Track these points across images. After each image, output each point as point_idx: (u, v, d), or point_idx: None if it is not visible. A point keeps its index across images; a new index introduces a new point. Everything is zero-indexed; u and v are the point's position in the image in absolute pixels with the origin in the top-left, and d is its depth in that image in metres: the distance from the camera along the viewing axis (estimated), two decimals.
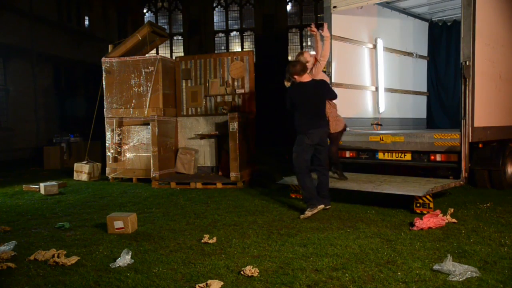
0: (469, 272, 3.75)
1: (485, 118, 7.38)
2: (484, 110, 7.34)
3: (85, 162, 11.03)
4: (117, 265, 4.24)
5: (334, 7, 8.60)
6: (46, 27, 17.48)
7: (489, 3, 7.54)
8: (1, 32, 15.33)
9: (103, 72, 10.39)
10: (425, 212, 6.12)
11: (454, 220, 5.68)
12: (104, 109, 10.43)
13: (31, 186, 9.30)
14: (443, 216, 5.69)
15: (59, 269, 4.23)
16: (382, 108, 10.07)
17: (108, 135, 10.34)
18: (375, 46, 9.94)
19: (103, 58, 10.49)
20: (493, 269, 3.93)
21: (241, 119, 9.20)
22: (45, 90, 17.54)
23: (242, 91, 10.44)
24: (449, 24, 11.30)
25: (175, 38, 24.73)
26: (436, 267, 3.94)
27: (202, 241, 5.00)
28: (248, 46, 23.96)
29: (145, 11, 24.92)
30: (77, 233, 5.57)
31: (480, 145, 7.66)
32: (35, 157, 15.15)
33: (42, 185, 8.88)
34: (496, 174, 8.09)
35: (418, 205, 6.23)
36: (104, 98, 10.40)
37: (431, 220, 5.43)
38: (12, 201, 8.08)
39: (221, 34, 24.42)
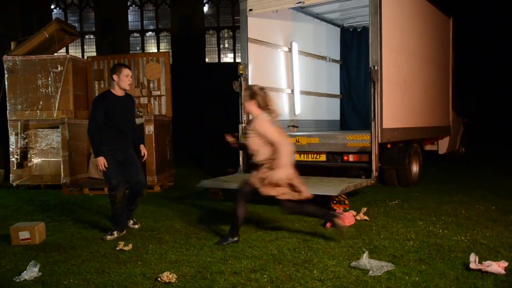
0: (385, 267, 3.96)
1: (392, 120, 7.81)
2: (391, 112, 7.76)
3: None
4: (22, 279, 3.97)
5: (250, 10, 8.69)
6: None
7: (395, 12, 8.00)
8: None
9: (5, 71, 9.77)
10: (341, 208, 6.41)
11: (366, 218, 6.02)
12: (7, 111, 9.78)
13: None
14: (355, 214, 6.06)
15: None
16: (298, 110, 10.32)
17: (12, 139, 9.70)
18: (290, 50, 10.18)
19: (5, 56, 9.87)
20: (400, 263, 4.18)
21: (157, 122, 9.04)
22: None
23: (158, 93, 10.29)
24: (359, 30, 11.83)
25: (86, 37, 23.77)
26: (353, 263, 4.11)
27: (117, 248, 4.85)
28: (164, 47, 23.60)
29: (52, 7, 23.69)
30: None
31: (389, 145, 8.11)
32: None
33: None
34: (403, 172, 8.63)
35: (334, 201, 6.51)
36: (7, 99, 9.75)
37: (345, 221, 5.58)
38: None
39: (136, 34, 23.84)
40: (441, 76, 10.85)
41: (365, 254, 4.12)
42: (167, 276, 3.84)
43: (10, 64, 9.74)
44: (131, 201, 5.78)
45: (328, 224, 5.53)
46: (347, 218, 5.77)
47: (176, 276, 3.88)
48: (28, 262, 4.25)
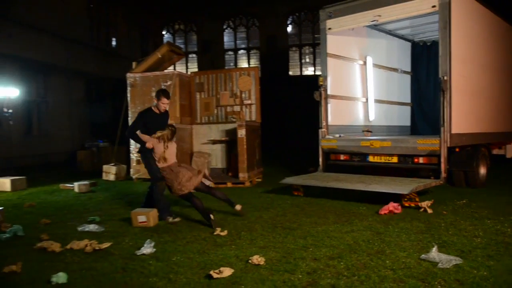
0: (453, 261, 3.76)
1: (460, 126, 7.42)
2: (459, 119, 7.37)
3: (112, 164, 11.07)
4: (141, 253, 4.27)
5: (329, 28, 8.65)
6: (79, 47, 17.58)
7: (463, 26, 7.57)
8: (42, 53, 15.44)
9: (128, 86, 10.41)
10: (412, 205, 6.18)
11: (430, 211, 5.91)
12: (129, 118, 10.45)
13: (66, 185, 9.36)
14: (421, 204, 6.10)
15: (92, 257, 4.27)
16: (371, 117, 10.08)
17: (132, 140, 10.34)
18: (365, 63, 9.97)
19: (128, 74, 10.51)
20: (468, 257, 3.94)
21: (248, 127, 9.22)
22: (78, 102, 17.64)
23: (249, 102, 10.47)
24: (428, 44, 11.33)
25: (190, 56, 24.81)
26: (423, 256, 3.95)
27: (215, 233, 5.02)
28: (253, 62, 23.99)
29: (164, 32, 25.04)
30: (106, 226, 5.60)
31: (457, 149, 7.67)
32: (70, 160, 15.22)
33: (76, 184, 8.93)
34: (471, 174, 8.10)
35: (406, 199, 6.27)
36: (129, 108, 10.41)
37: (389, 207, 5.95)
38: (51, 198, 8.14)
39: (230, 52, 24.48)
40: (507, 84, 10.03)
41: (434, 248, 3.94)
42: (257, 259, 3.92)
43: (132, 80, 10.40)
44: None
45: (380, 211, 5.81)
46: (392, 207, 5.93)
47: (264, 259, 3.95)
48: (145, 240, 4.56)
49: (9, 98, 11.21)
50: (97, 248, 4.44)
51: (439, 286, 3.31)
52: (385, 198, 6.56)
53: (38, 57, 15.28)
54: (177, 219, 5.80)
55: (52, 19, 16.17)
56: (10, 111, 11.22)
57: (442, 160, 6.97)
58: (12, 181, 9.23)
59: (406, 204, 6.25)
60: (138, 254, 4.27)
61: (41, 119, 15.94)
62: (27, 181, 9.61)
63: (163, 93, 6.13)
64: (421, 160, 7.34)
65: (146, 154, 5.92)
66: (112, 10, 20.46)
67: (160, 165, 5.76)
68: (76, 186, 8.87)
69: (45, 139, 15.79)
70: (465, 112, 7.70)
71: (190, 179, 5.65)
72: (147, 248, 4.34)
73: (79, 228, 5.42)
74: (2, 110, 11.21)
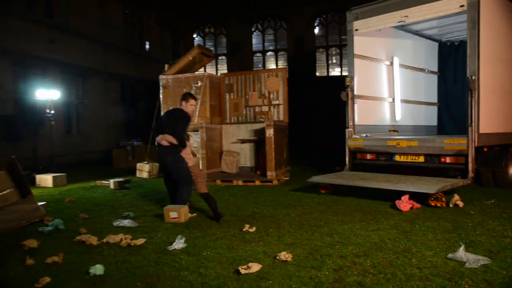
0: (481, 260, 3.65)
1: (489, 125, 7.18)
2: (488, 118, 7.14)
3: (145, 162, 11.26)
4: (173, 248, 4.33)
5: (356, 30, 8.54)
6: (115, 51, 18.00)
7: (491, 25, 7.33)
8: (81, 57, 15.92)
9: (160, 87, 10.57)
10: (438, 205, 6.04)
11: (462, 204, 5.97)
12: None
13: (103, 181, 9.60)
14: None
15: (126, 250, 4.36)
16: (398, 117, 9.89)
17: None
18: (391, 63, 9.78)
19: (160, 76, 10.67)
20: (496, 258, 3.80)
21: (276, 127, 9.21)
22: (114, 103, 18.04)
23: (277, 102, 10.46)
24: (456, 44, 11.00)
25: (220, 58, 24.96)
26: (450, 255, 3.85)
27: (243, 230, 5.03)
28: (281, 64, 23.90)
29: (195, 35, 25.28)
30: (139, 221, 5.71)
31: (485, 149, 7.43)
32: (106, 158, 15.59)
33: (111, 181, 9.14)
34: (499, 174, 7.83)
35: (432, 199, 6.14)
36: (161, 108, 10.55)
37: (408, 205, 5.99)
38: (88, 194, 8.37)
39: (258, 54, 24.48)
40: None
41: (462, 247, 3.82)
42: (284, 255, 3.91)
43: (164, 81, 10.56)
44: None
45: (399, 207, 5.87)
46: (411, 204, 5.96)
47: (291, 256, 3.94)
48: (176, 236, 4.62)
49: (51, 100, 11.59)
50: (132, 244, 4.52)
51: (467, 286, 3.21)
52: (411, 197, 6.43)
53: (77, 61, 15.76)
54: (194, 215, 5.97)
55: (91, 26, 16.64)
56: (52, 112, 11.59)
57: (470, 159, 6.77)
58: (54, 178, 9.55)
59: (432, 204, 6.10)
60: (170, 249, 4.33)
61: (80, 120, 16.39)
62: (67, 178, 9.92)
63: (190, 95, 6.23)
64: (448, 159, 7.15)
65: (180, 155, 5.93)
66: (145, 15, 20.84)
67: (189, 164, 5.89)
68: (111, 183, 9.08)
69: (83, 138, 16.24)
70: (493, 111, 7.45)
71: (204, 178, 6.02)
72: (179, 243, 4.40)
73: (115, 223, 5.54)
74: (45, 111, 11.61)
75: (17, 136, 12.72)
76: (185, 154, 5.99)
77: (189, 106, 6.14)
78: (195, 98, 6.28)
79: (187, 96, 6.18)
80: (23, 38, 13.27)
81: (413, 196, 6.29)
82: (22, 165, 6.35)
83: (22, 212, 5.79)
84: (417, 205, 6.08)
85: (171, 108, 10.34)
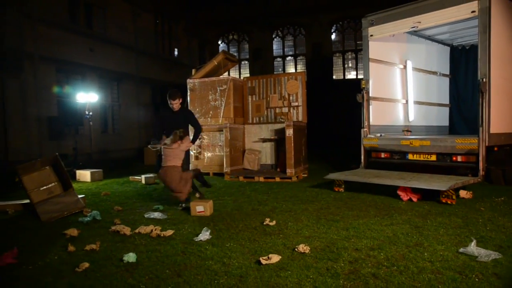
0: (492, 255, 3.56)
1: (499, 126, 7.00)
2: (498, 119, 6.96)
3: None
4: (199, 239, 4.37)
5: (371, 35, 8.44)
6: (146, 57, 18.27)
7: (501, 30, 7.13)
8: (116, 63, 16.24)
9: (188, 90, 10.68)
10: (449, 202, 5.90)
11: (470, 196, 6.02)
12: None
13: (135, 177, 9.76)
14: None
15: (156, 240, 4.43)
16: (411, 117, 9.72)
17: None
18: (405, 67, 9.61)
19: (188, 79, 10.79)
20: (506, 253, 3.70)
21: (295, 127, 9.18)
22: (145, 105, 18.32)
23: (296, 104, 10.43)
24: (467, 48, 10.72)
25: (243, 63, 25.01)
26: (461, 249, 3.77)
27: (264, 223, 5.04)
28: (300, 68, 23.78)
29: (219, 42, 25.42)
30: (168, 214, 5.79)
31: (495, 148, 7.22)
32: (137, 155, 15.85)
33: (143, 176, 9.29)
34: (509, 172, 7.62)
35: (443, 195, 6.00)
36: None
37: (409, 195, 6.28)
38: (122, 188, 8.53)
39: (278, 59, 24.42)
40: None
41: (473, 242, 3.73)
42: (302, 248, 3.91)
43: (191, 85, 10.68)
44: None
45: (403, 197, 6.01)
46: (412, 195, 6.13)
47: (309, 248, 3.93)
48: (202, 228, 4.67)
49: (89, 102, 11.89)
50: (161, 234, 4.60)
51: (477, 279, 3.14)
52: (424, 194, 6.32)
53: (113, 67, 16.07)
54: (197, 195, 6.40)
55: (125, 35, 16.94)
56: (91, 113, 11.90)
57: (481, 158, 6.60)
58: (92, 173, 9.78)
59: (444, 201, 5.96)
60: (196, 240, 4.38)
61: (115, 120, 16.72)
62: (103, 173, 10.13)
63: (168, 95, 6.40)
64: (459, 158, 6.98)
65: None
66: (174, 24, 21.06)
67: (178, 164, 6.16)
68: (143, 178, 9.22)
69: (117, 137, 16.55)
70: (503, 112, 7.24)
71: None
72: (204, 235, 4.44)
73: (146, 215, 5.64)
74: (85, 112, 11.92)
75: (60, 135, 13.09)
76: (178, 151, 6.01)
77: (169, 106, 6.41)
78: (171, 97, 6.37)
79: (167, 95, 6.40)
80: (66, 47, 13.63)
81: (426, 193, 6.18)
82: (64, 162, 6.54)
83: (64, 203, 5.98)
84: (414, 199, 6.23)
85: (198, 109, 10.46)
